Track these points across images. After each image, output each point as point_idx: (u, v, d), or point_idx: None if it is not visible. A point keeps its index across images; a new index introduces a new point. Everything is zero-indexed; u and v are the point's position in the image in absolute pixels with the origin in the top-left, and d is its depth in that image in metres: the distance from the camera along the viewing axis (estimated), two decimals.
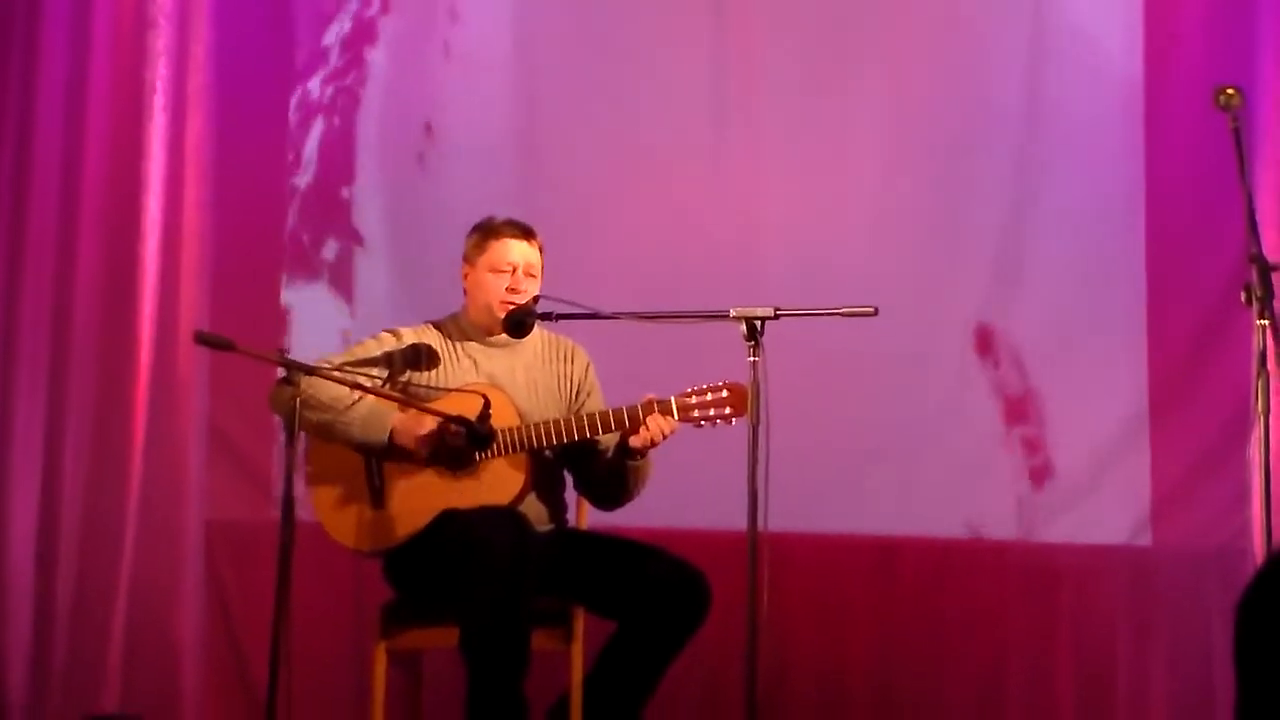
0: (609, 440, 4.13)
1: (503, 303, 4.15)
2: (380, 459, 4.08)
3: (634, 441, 4.01)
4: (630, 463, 4.09)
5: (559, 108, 5.53)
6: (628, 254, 5.40)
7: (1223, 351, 5.03)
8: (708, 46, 5.49)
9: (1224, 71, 4.88)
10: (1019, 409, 5.32)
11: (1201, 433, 5.13)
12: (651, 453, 4.09)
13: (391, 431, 4.03)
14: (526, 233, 4.22)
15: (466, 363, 4.19)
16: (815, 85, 5.44)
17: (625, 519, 4.32)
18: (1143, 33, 5.34)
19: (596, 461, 4.18)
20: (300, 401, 3.85)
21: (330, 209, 5.56)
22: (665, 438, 4.00)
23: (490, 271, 4.18)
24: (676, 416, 3.98)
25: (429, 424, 4.01)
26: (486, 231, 4.24)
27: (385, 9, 5.59)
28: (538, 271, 4.22)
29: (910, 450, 5.33)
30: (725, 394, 3.98)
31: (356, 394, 4.03)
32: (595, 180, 5.47)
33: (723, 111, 5.46)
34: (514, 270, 4.17)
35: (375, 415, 4.04)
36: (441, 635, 4.00)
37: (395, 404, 4.05)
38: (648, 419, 3.97)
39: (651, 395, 4.01)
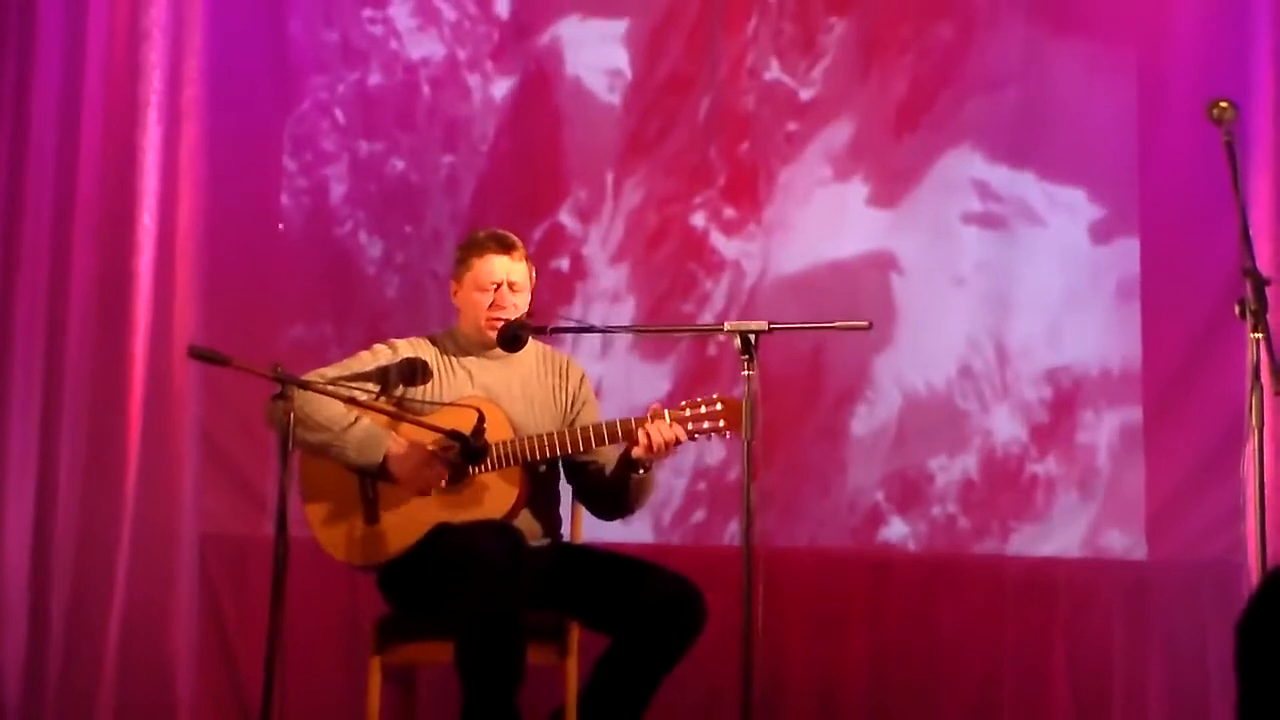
0: (606, 454, 4.13)
1: (489, 319, 4.14)
2: (375, 478, 4.07)
3: (637, 452, 3.99)
4: (634, 475, 4.07)
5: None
6: (626, 267, 5.43)
7: (1217, 365, 5.02)
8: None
9: (1218, 84, 4.89)
10: (1014, 423, 5.31)
11: (1196, 446, 5.13)
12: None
13: (386, 458, 4.03)
14: (508, 247, 4.20)
15: (462, 375, 4.18)
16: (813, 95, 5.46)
17: (620, 533, 4.32)
18: (1136, 45, 5.34)
19: (595, 474, 4.17)
20: (297, 420, 3.84)
21: None
22: (670, 448, 3.98)
23: (475, 290, 4.17)
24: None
25: (423, 460, 4.01)
26: (469, 248, 4.23)
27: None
28: (524, 285, 4.20)
29: (904, 465, 5.32)
30: (719, 407, 3.97)
31: (354, 414, 4.03)
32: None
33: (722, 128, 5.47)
34: (496, 287, 4.16)
35: (371, 440, 4.03)
36: (436, 650, 4.00)
37: (391, 427, 4.05)
38: (651, 428, 3.95)
39: (656, 405, 4.00)
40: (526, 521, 4.11)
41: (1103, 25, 5.38)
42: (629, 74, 5.52)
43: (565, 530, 4.30)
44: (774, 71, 5.47)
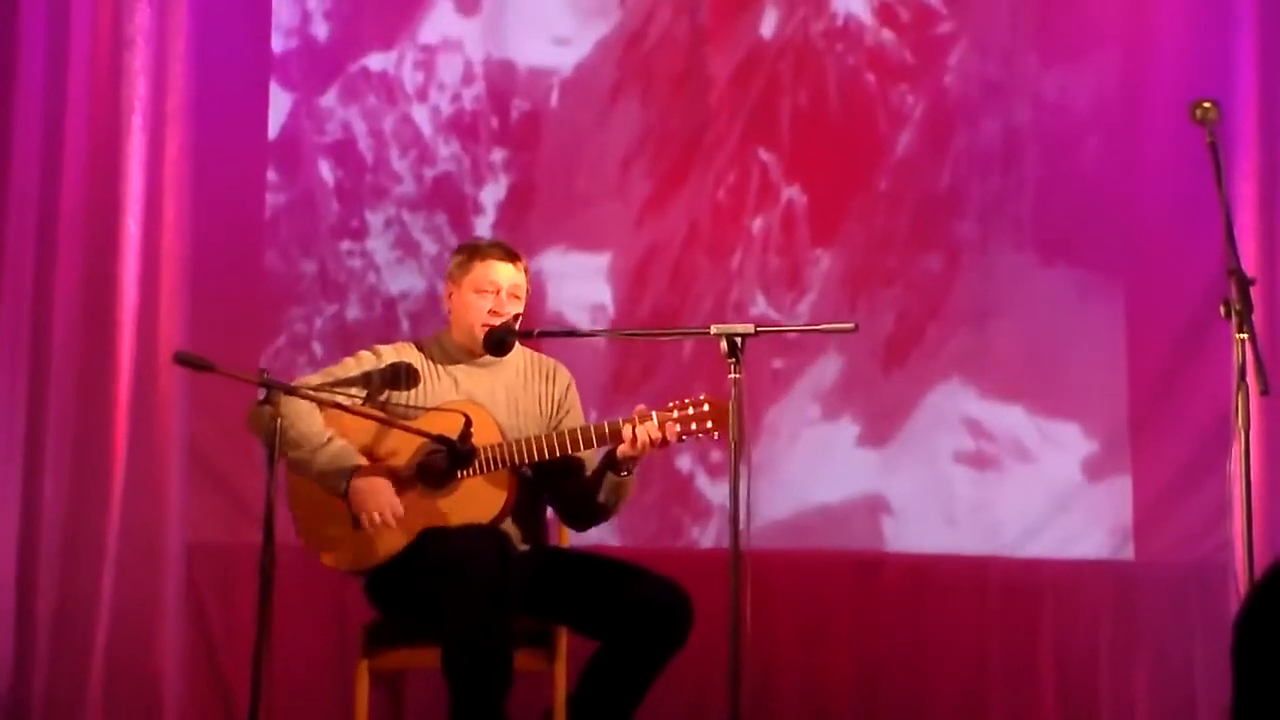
0: (589, 458, 4.12)
1: (484, 324, 4.13)
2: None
3: (623, 450, 4.00)
4: (615, 476, 4.07)
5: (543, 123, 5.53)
6: (609, 270, 5.42)
7: (1203, 365, 5.04)
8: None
9: (1201, 85, 4.90)
10: (1000, 424, 5.31)
11: (1182, 447, 5.14)
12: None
13: (350, 489, 4.01)
14: (512, 255, 4.21)
15: (447, 381, 4.18)
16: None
17: (607, 538, 4.31)
18: (1120, 47, 5.35)
19: (576, 479, 4.16)
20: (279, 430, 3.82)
21: None
22: (654, 447, 3.98)
23: (474, 292, 4.16)
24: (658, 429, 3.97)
25: (387, 497, 4.00)
26: (472, 252, 4.22)
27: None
28: (522, 294, 4.20)
29: (891, 466, 5.33)
30: (706, 408, 3.97)
31: (328, 433, 4.03)
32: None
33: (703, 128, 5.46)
34: (498, 292, 4.15)
35: (336, 465, 4.01)
36: (424, 655, 4.00)
37: (379, 432, 4.05)
38: (638, 428, 3.95)
39: (643, 406, 4.00)
40: (514, 525, 4.10)
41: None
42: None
43: (552, 534, 4.30)
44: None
